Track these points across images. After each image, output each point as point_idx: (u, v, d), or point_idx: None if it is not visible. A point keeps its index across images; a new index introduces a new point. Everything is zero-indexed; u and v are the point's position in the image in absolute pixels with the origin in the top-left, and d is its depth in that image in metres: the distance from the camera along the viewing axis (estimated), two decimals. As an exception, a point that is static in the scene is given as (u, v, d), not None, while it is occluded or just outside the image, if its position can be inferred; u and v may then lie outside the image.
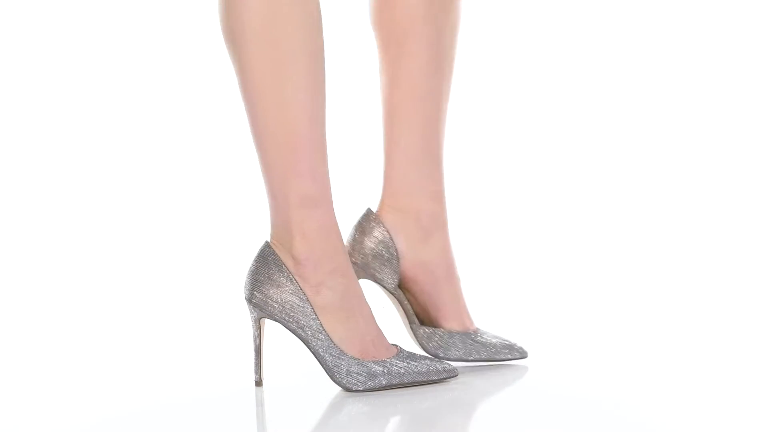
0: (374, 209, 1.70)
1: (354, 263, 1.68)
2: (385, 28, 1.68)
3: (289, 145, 1.56)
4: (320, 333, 1.54)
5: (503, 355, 1.70)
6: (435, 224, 1.70)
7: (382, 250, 1.68)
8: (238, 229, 2.86)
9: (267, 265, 1.56)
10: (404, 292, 1.70)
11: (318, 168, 1.56)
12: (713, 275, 2.44)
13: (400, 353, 1.59)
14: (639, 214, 2.93)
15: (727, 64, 3.21)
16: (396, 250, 1.68)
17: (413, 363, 1.58)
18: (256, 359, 1.60)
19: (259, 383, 1.61)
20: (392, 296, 1.69)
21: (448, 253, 1.70)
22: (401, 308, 1.70)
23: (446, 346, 1.68)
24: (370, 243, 1.68)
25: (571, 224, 2.90)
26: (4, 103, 3.15)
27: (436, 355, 1.68)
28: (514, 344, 1.72)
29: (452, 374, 1.61)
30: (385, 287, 1.68)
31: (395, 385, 1.57)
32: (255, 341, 1.59)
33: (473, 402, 1.56)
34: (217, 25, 1.68)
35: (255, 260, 1.57)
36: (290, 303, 1.55)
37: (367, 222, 1.69)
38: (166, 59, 3.21)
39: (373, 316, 1.59)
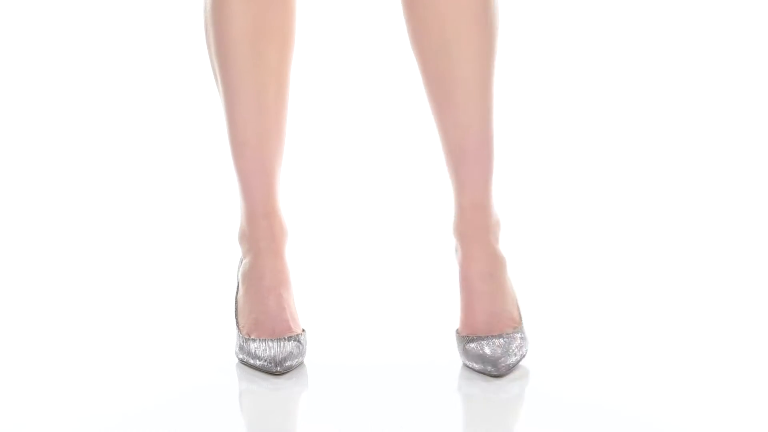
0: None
1: None
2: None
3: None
4: None
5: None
6: None
7: None
8: (232, 228, 2.85)
9: None
10: None
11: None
12: (714, 275, 2.43)
13: None
14: (638, 215, 2.92)
15: (727, 65, 3.21)
16: None
17: None
18: None
19: None
20: None
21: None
22: None
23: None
24: None
25: (571, 225, 2.89)
26: (3, 103, 3.15)
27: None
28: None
29: None
30: None
31: None
32: None
33: (474, 400, 1.56)
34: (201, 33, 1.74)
35: None
36: None
37: None
38: (165, 60, 3.20)
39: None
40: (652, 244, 2.66)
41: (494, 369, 1.65)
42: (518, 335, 1.68)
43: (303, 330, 1.75)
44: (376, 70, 3.22)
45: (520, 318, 1.71)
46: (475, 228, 1.73)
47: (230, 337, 1.85)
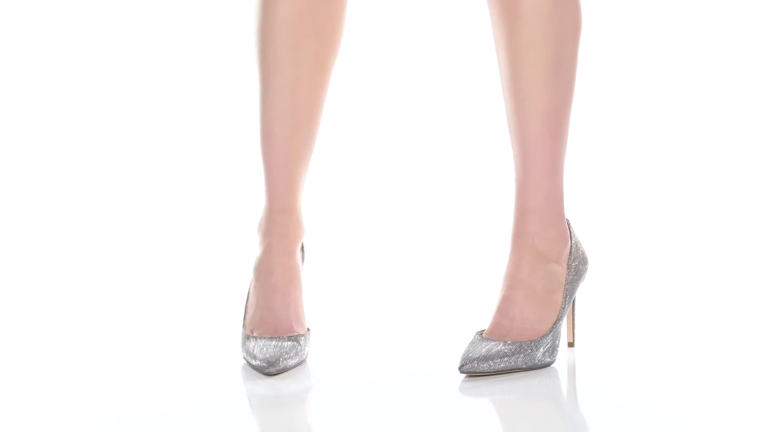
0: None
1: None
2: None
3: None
4: None
5: None
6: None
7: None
8: (234, 229, 2.85)
9: None
10: None
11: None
12: (718, 276, 2.43)
13: None
14: (645, 214, 2.92)
15: (728, 65, 3.20)
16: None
17: None
18: None
19: None
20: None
21: None
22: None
23: None
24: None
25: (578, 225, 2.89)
26: (4, 103, 3.15)
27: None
28: None
29: None
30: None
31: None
32: None
33: (476, 402, 1.56)
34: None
35: None
36: None
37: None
38: (168, 60, 3.20)
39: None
40: (662, 244, 2.65)
41: (461, 364, 1.64)
42: (515, 347, 1.66)
43: (308, 329, 1.75)
44: (380, 71, 3.21)
45: (546, 334, 1.68)
46: (516, 231, 1.71)
47: (237, 335, 1.85)
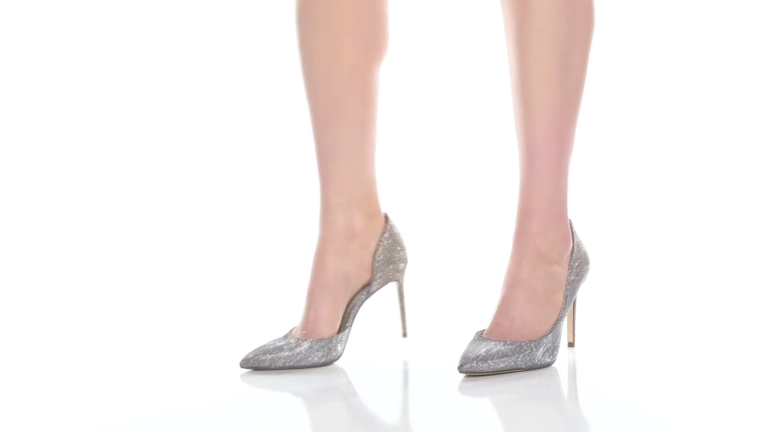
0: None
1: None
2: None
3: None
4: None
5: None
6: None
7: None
8: (239, 230, 2.85)
9: None
10: None
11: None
12: (717, 277, 2.42)
13: None
14: (645, 216, 2.91)
15: (734, 70, 3.20)
16: None
17: None
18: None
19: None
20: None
21: None
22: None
23: None
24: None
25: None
26: (4, 103, 3.15)
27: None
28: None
29: None
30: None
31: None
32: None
33: (477, 402, 1.56)
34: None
35: None
36: None
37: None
38: (175, 62, 3.20)
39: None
40: (662, 245, 2.65)
41: (460, 363, 1.63)
42: (515, 347, 1.65)
43: (332, 335, 1.73)
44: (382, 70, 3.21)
45: (546, 335, 1.68)
46: (518, 231, 1.71)
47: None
